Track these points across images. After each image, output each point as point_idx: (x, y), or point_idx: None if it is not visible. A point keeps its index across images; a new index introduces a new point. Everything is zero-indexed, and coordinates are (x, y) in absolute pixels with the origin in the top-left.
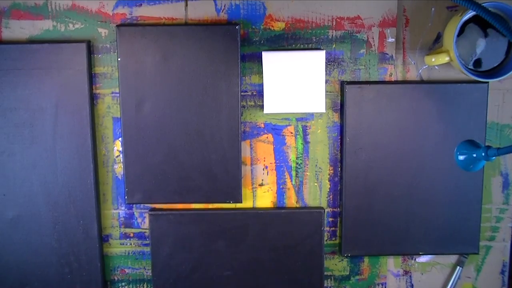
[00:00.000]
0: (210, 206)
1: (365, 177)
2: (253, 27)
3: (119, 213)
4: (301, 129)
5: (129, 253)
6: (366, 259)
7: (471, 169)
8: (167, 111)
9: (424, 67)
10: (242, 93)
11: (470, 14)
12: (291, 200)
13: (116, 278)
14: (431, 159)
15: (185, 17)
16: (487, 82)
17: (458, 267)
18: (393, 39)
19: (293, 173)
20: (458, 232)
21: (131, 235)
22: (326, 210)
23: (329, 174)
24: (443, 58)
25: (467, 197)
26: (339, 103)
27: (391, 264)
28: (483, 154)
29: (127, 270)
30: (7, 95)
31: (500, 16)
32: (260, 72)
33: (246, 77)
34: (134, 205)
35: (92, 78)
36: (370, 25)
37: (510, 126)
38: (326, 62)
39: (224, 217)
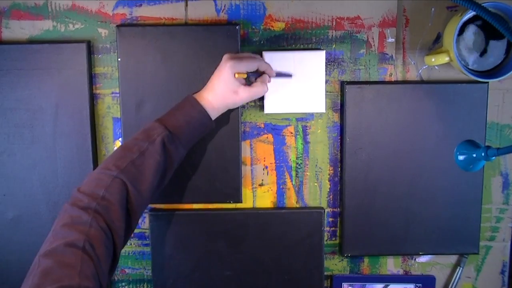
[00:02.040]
0: (210, 206)
1: (365, 177)
2: (253, 27)
3: None
4: (301, 129)
5: (129, 253)
6: (366, 259)
7: (471, 169)
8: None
9: (424, 67)
10: None
11: (470, 14)
12: (291, 200)
13: (116, 278)
14: (431, 159)
15: (185, 17)
16: (487, 82)
17: (458, 267)
18: (393, 39)
19: (293, 173)
20: (458, 232)
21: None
22: (326, 210)
23: (329, 174)
24: (443, 58)
25: (467, 197)
26: (339, 103)
27: (391, 264)
28: (483, 154)
29: (127, 270)
30: (7, 95)
31: (500, 16)
32: None
33: None
34: None
35: (92, 78)
36: (370, 25)
37: (510, 126)
38: (326, 62)
39: (224, 217)
